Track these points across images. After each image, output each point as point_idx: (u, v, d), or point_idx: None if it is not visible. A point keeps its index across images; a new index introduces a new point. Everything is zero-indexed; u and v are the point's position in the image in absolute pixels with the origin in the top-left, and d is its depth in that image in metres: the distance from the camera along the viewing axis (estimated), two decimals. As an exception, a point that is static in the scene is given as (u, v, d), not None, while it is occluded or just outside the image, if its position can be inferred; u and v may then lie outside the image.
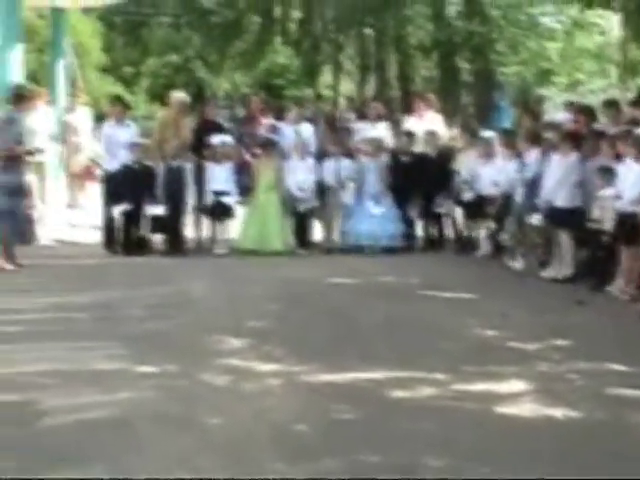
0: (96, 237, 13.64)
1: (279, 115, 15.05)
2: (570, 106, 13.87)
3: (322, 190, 13.84)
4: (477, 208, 13.30)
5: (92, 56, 37.26)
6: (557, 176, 11.46)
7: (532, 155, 12.25)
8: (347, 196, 13.88)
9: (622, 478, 5.00)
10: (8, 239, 11.37)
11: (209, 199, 13.54)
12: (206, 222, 13.73)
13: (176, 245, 13.31)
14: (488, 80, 30.01)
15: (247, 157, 13.99)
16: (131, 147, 13.40)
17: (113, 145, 13.61)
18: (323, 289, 10.66)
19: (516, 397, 6.40)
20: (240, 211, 13.76)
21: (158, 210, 13.18)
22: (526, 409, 6.13)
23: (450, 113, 19.73)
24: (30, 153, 11.90)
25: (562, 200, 11.37)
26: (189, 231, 13.72)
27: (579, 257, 11.35)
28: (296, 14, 36.88)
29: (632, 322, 9.13)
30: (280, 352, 7.52)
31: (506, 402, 6.25)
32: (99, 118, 16.79)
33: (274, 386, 6.62)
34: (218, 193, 13.50)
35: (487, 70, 30.81)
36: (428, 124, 14.85)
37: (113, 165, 13.51)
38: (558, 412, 6.03)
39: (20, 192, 11.38)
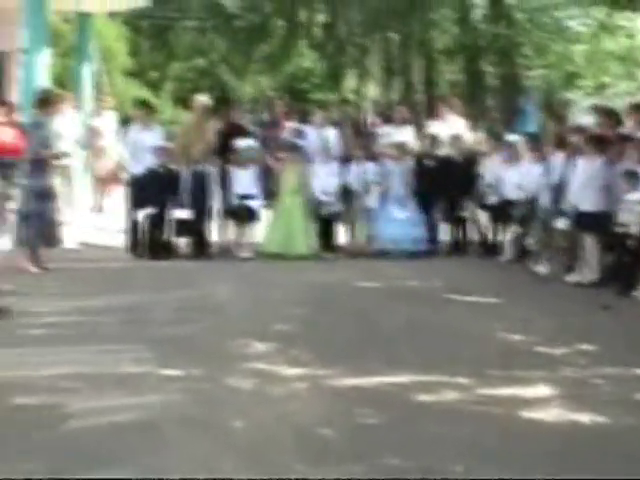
0: (121, 241, 13.67)
1: (304, 119, 15.06)
2: (596, 110, 13.80)
3: (347, 194, 13.84)
4: (502, 212, 13.28)
5: (118, 60, 37.36)
6: (582, 180, 11.42)
7: (557, 159, 12.21)
8: (372, 200, 13.88)
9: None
10: (34, 242, 11.42)
11: (234, 203, 13.55)
12: (231, 226, 13.74)
13: (201, 249, 13.33)
14: (513, 84, 29.94)
15: (271, 161, 13.99)
16: (156, 151, 13.43)
17: (138, 149, 13.64)
18: (348, 293, 10.66)
19: (541, 402, 6.37)
20: (265, 215, 13.77)
21: (183, 214, 13.21)
22: (552, 414, 6.10)
23: (475, 117, 19.70)
24: (56, 157, 11.95)
25: (588, 204, 11.32)
26: (214, 235, 13.74)
27: (605, 262, 11.31)
28: (321, 18, 36.92)
29: (658, 327, 9.09)
30: (305, 356, 7.52)
31: (531, 407, 6.23)
32: (125, 122, 16.84)
33: (299, 390, 6.62)
34: (243, 197, 13.52)
35: (512, 74, 30.73)
36: (452, 128, 14.82)
37: (138, 169, 13.54)
38: (584, 417, 6.01)
39: (46, 195, 11.43)
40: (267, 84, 40.27)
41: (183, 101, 23.99)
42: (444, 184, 13.79)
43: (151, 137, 13.71)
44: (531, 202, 12.61)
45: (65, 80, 22.69)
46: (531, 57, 31.24)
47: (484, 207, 13.75)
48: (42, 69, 14.97)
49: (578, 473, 5.07)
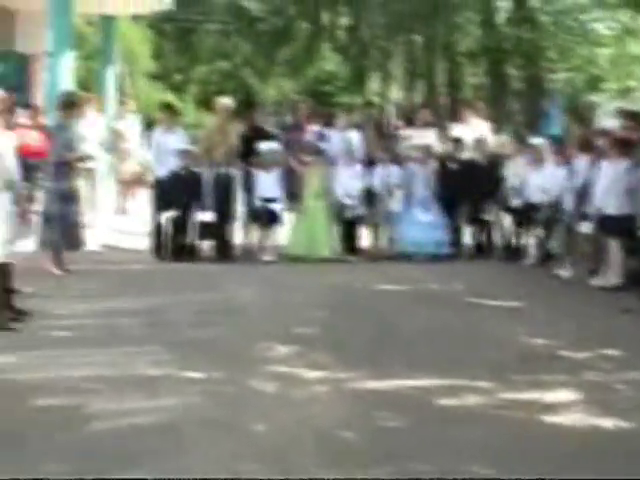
0: (144, 243, 13.70)
1: (327, 122, 15.05)
2: (620, 113, 13.74)
3: (370, 197, 13.82)
4: (525, 215, 13.23)
5: (141, 63, 37.54)
6: (607, 183, 11.36)
7: (582, 162, 12.16)
8: (395, 203, 13.85)
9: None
10: (57, 244, 11.46)
11: (257, 206, 13.56)
12: (254, 229, 13.75)
13: (224, 251, 13.34)
14: (537, 87, 29.86)
15: (294, 164, 13.99)
16: (180, 154, 13.45)
17: (162, 152, 13.67)
18: (370, 296, 10.65)
19: (564, 406, 6.34)
20: (287, 218, 13.77)
21: (206, 216, 13.24)
22: (574, 419, 6.07)
23: (499, 120, 19.66)
24: (81, 160, 11.99)
25: (612, 208, 11.27)
26: (237, 238, 13.75)
27: (629, 266, 11.24)
28: (344, 21, 36.94)
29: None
30: (326, 359, 7.51)
31: (554, 411, 6.20)
32: (148, 125, 16.89)
33: (320, 393, 6.62)
34: (266, 200, 13.52)
35: (537, 77, 30.64)
36: (475, 131, 14.79)
37: (162, 172, 13.57)
38: (606, 422, 5.97)
39: (70, 198, 11.47)
40: (291, 87, 40.35)
41: (207, 104, 24.06)
42: (468, 187, 13.75)
43: (175, 140, 13.74)
44: (555, 205, 12.56)
45: (89, 83, 22.81)
46: (555, 60, 31.15)
47: (508, 210, 13.70)
48: (66, 72, 15.02)
49: (600, 478, 5.04)
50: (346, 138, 14.26)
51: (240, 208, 13.76)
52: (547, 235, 12.79)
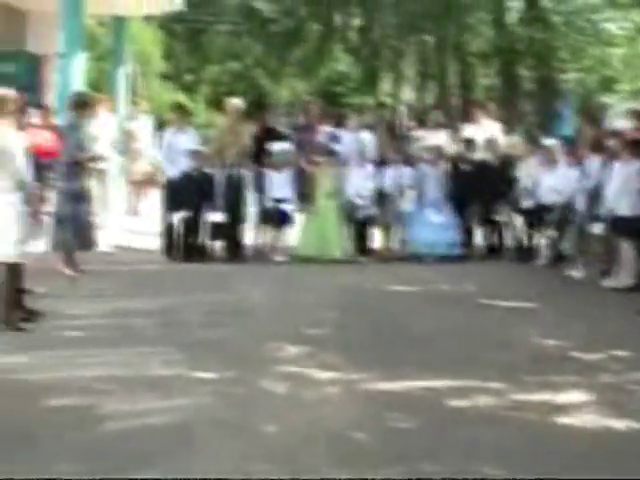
0: (156, 244, 13.71)
1: (339, 122, 15.04)
2: (632, 114, 13.70)
3: (381, 198, 13.81)
4: (537, 216, 13.21)
5: (153, 64, 37.58)
6: (619, 184, 11.34)
7: (594, 163, 12.14)
8: (406, 204, 13.85)
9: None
10: (69, 245, 11.47)
11: (268, 206, 13.56)
12: (265, 229, 13.75)
13: (235, 252, 13.35)
14: (549, 87, 29.80)
15: (305, 165, 13.99)
16: (191, 154, 13.47)
17: (173, 152, 13.68)
18: (381, 297, 10.64)
19: (576, 408, 6.32)
20: (298, 218, 13.77)
21: (218, 217, 13.25)
22: (586, 420, 6.05)
23: (511, 121, 19.62)
24: (92, 160, 12.00)
25: (624, 209, 11.24)
26: (248, 238, 13.75)
27: (641, 266, 11.22)
28: (356, 22, 36.92)
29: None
30: (337, 360, 7.51)
31: (565, 412, 6.18)
32: (160, 125, 16.90)
33: (331, 394, 6.61)
34: (277, 200, 13.53)
35: (548, 77, 30.58)
36: (487, 132, 14.77)
37: (173, 172, 13.58)
38: (619, 423, 5.95)
39: (81, 198, 11.48)
40: (302, 88, 40.33)
41: (218, 104, 24.08)
42: (479, 188, 13.73)
43: (186, 140, 13.75)
44: (567, 206, 12.54)
45: (101, 84, 22.84)
46: (567, 61, 31.08)
47: (519, 211, 13.68)
48: (78, 73, 15.05)
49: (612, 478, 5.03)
50: (358, 139, 14.26)
51: (251, 209, 13.76)
52: (559, 236, 12.77)
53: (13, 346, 7.80)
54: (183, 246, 13.31)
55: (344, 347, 7.97)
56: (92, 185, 11.99)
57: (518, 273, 12.75)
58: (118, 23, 20.58)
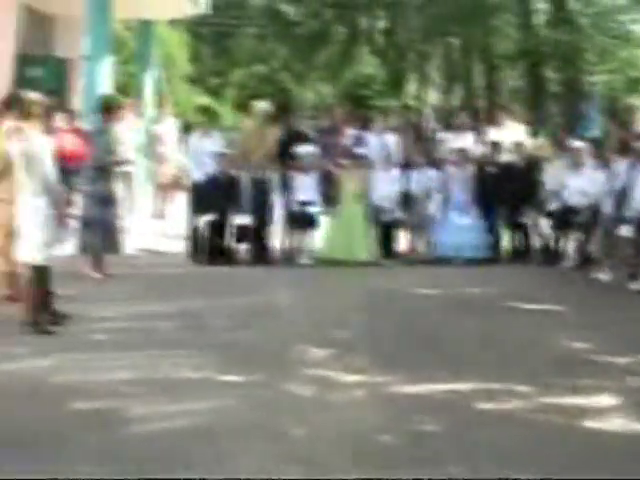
0: (182, 247, 13.73)
1: (364, 125, 15.02)
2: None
3: (408, 201, 13.78)
4: (564, 219, 13.14)
5: (179, 67, 37.68)
6: (646, 186, 11.27)
7: (621, 165, 12.06)
8: (433, 207, 13.81)
9: None
10: (96, 248, 11.50)
11: (294, 209, 13.56)
12: (291, 232, 13.74)
13: (261, 255, 13.34)
14: (576, 89, 29.67)
15: (331, 167, 13.97)
16: (217, 157, 13.48)
17: (199, 155, 13.70)
18: (407, 300, 10.61)
19: (605, 411, 6.29)
20: (324, 221, 13.76)
21: (243, 220, 13.24)
22: (615, 424, 6.02)
23: (537, 123, 19.54)
24: (119, 164, 12.04)
25: (651, 210, 11.18)
26: (274, 241, 13.75)
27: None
28: (382, 24, 36.91)
29: None
30: (364, 363, 7.50)
31: (594, 416, 6.15)
32: (186, 128, 16.92)
33: (357, 396, 6.60)
34: (303, 203, 13.52)
35: (575, 79, 30.45)
36: (512, 134, 14.70)
37: (199, 175, 13.60)
38: (648, 428, 5.92)
39: (108, 202, 11.51)
40: (328, 91, 40.35)
41: (244, 107, 24.12)
42: (505, 190, 13.66)
43: (212, 143, 13.77)
44: (594, 209, 12.47)
45: (127, 87, 22.91)
46: (594, 62, 30.94)
47: (546, 213, 13.61)
48: (104, 76, 15.12)
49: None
50: (383, 141, 14.24)
51: (277, 211, 13.76)
52: (586, 239, 12.70)
53: (40, 349, 7.83)
54: (209, 249, 13.31)
55: (370, 350, 7.95)
56: (118, 188, 12.02)
57: (545, 276, 12.68)
58: (144, 27, 20.68)
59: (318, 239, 13.64)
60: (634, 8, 29.97)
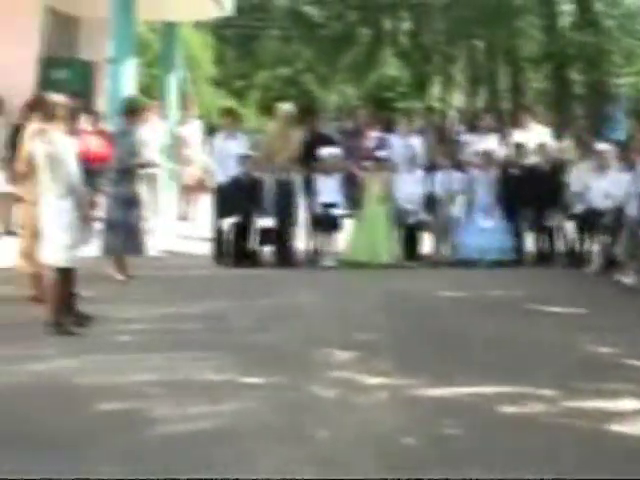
0: (206, 249, 13.75)
1: (388, 127, 15.00)
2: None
3: (432, 203, 13.75)
4: (589, 221, 13.08)
5: (203, 69, 37.77)
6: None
7: (647, 168, 12.00)
8: (457, 209, 13.77)
9: None
10: (120, 250, 11.54)
11: (318, 211, 13.55)
12: (315, 234, 13.73)
13: (285, 257, 13.34)
14: (601, 91, 29.54)
15: (355, 170, 13.96)
16: (241, 159, 13.49)
17: (223, 157, 13.71)
18: (431, 302, 10.59)
19: (630, 416, 6.25)
20: (347, 223, 13.74)
21: (267, 222, 13.24)
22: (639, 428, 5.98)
23: (562, 125, 19.47)
24: (144, 166, 12.07)
25: (677, 213, 11.11)
26: (298, 243, 13.74)
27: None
28: (406, 26, 36.87)
29: None
30: (387, 365, 7.49)
31: (619, 421, 6.11)
32: (210, 131, 16.95)
33: (381, 399, 6.59)
34: (327, 205, 13.51)
35: (601, 81, 30.32)
36: (535, 137, 14.64)
37: (223, 177, 13.61)
38: (673, 432, 5.88)
39: (132, 204, 11.53)
40: (352, 93, 40.34)
41: (268, 110, 24.16)
42: (530, 193, 13.60)
43: (236, 146, 13.77)
44: (619, 211, 12.41)
45: (151, 89, 22.99)
46: (620, 64, 30.80)
47: (570, 216, 13.55)
48: (129, 78, 15.16)
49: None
50: (407, 144, 14.22)
51: (301, 214, 13.76)
52: (611, 241, 12.63)
53: (64, 350, 7.86)
54: (233, 251, 13.33)
55: (394, 352, 7.94)
56: (142, 190, 12.05)
57: (569, 279, 12.62)
58: (169, 29, 20.73)
59: (342, 241, 13.63)
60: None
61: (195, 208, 17.82)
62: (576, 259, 13.38)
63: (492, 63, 35.02)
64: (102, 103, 16.32)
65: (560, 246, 13.83)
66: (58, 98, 8.83)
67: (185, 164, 17.54)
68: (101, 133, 13.89)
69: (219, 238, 13.46)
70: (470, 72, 36.56)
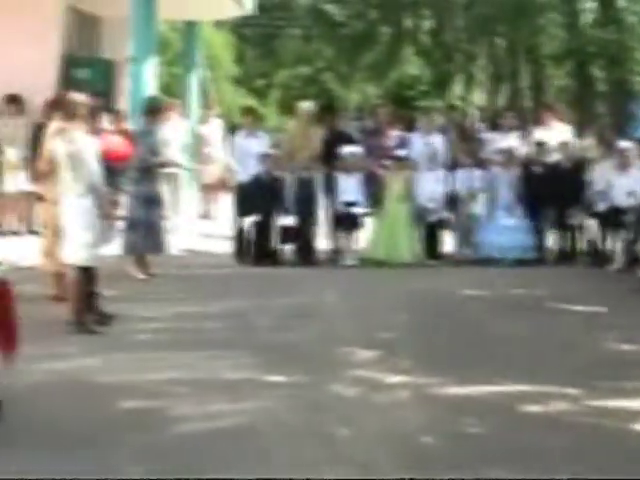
0: (227, 248, 13.76)
1: (409, 126, 14.96)
2: None
3: (453, 201, 13.71)
4: (611, 219, 13.01)
5: (224, 68, 37.82)
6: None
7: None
8: (478, 207, 13.73)
9: None
10: (141, 248, 11.56)
11: (339, 210, 13.53)
12: (336, 233, 13.71)
13: (306, 256, 13.33)
14: (624, 89, 29.40)
15: (376, 168, 13.93)
16: (261, 158, 13.49)
17: (244, 156, 13.71)
18: (452, 301, 10.56)
19: (652, 414, 6.22)
20: (368, 222, 13.72)
21: (288, 221, 13.24)
22: (663, 427, 5.95)
23: (585, 123, 19.38)
24: (165, 165, 12.09)
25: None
26: (319, 242, 13.73)
27: None
28: (427, 24, 36.81)
29: None
30: (409, 364, 7.47)
31: (641, 419, 6.08)
32: (231, 129, 16.96)
33: (403, 398, 6.57)
34: (348, 204, 13.49)
35: (623, 79, 30.17)
36: (556, 135, 14.57)
37: (244, 176, 13.61)
38: (697, 431, 5.84)
39: (154, 202, 11.56)
40: (373, 92, 40.30)
41: (289, 108, 24.18)
42: (552, 191, 13.55)
43: (257, 144, 13.76)
44: (641, 209, 12.35)
45: (172, 88, 23.03)
46: (643, 62, 30.67)
47: (593, 214, 13.48)
48: (150, 77, 15.17)
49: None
50: (428, 142, 14.17)
51: (322, 212, 13.74)
52: (634, 239, 12.56)
53: (85, 348, 7.88)
54: (254, 250, 13.33)
55: (415, 351, 7.92)
56: (163, 189, 12.07)
57: (592, 277, 12.56)
58: (190, 28, 20.76)
59: (362, 240, 13.61)
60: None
61: (216, 207, 17.84)
62: (598, 257, 13.32)
63: (513, 61, 34.91)
64: (123, 102, 16.35)
65: (582, 244, 13.77)
66: (79, 97, 8.85)
67: (206, 163, 17.56)
68: (122, 132, 13.90)
69: (240, 237, 13.46)
70: (491, 70, 36.46)
